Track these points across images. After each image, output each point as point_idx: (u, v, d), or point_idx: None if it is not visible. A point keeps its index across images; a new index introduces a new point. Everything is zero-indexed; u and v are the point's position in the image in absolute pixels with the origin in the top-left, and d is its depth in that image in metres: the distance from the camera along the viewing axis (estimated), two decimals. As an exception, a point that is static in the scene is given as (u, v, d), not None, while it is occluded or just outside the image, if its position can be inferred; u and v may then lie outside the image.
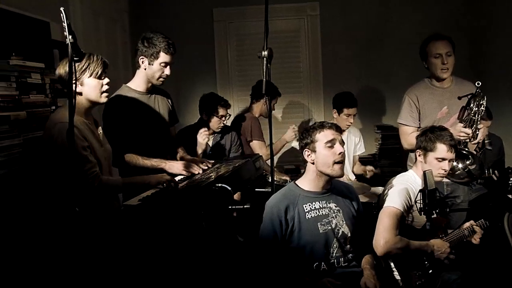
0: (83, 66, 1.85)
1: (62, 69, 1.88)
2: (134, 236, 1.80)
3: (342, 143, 1.95)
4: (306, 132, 2.00)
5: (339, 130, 1.98)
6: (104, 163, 1.99)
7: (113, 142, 2.17)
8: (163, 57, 2.30)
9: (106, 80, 1.93)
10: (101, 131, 2.07)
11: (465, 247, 2.18)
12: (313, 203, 1.98)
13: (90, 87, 1.88)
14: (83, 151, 1.81)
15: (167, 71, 2.34)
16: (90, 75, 1.87)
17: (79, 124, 1.84)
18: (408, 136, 2.70)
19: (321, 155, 1.93)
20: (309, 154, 1.97)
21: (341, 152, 1.92)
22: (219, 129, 3.13)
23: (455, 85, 2.68)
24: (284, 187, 2.09)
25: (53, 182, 1.82)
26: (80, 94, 1.87)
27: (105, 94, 1.93)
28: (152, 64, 2.31)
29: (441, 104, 2.65)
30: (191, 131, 3.03)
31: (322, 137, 1.93)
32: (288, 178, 3.44)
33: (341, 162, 1.93)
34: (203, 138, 2.95)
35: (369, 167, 3.44)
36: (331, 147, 1.92)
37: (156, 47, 2.28)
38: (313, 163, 1.97)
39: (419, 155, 2.24)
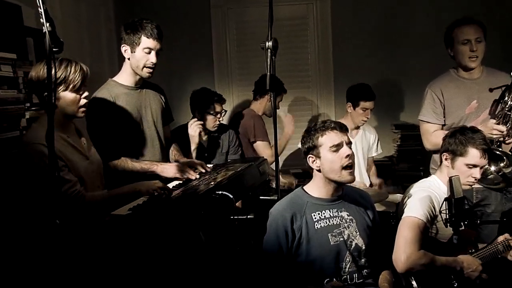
0: (60, 77, 1.81)
1: (34, 71, 1.85)
2: (123, 250, 1.79)
3: (349, 144, 1.95)
4: (308, 136, 1.99)
5: (344, 129, 1.96)
6: (89, 178, 1.98)
7: (98, 144, 2.17)
8: (145, 41, 2.30)
9: (85, 93, 1.92)
10: (85, 142, 2.07)
11: (500, 264, 2.16)
12: (323, 211, 1.98)
13: (66, 101, 1.87)
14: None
15: (152, 58, 2.32)
16: (66, 89, 1.85)
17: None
18: (431, 135, 2.68)
19: (327, 161, 1.93)
20: (314, 160, 1.97)
21: (349, 155, 1.91)
22: (215, 128, 3.13)
23: (485, 76, 2.66)
24: (290, 194, 2.09)
25: (32, 195, 1.82)
26: (55, 107, 1.83)
27: (82, 109, 1.93)
28: (135, 52, 2.32)
29: (470, 98, 2.62)
30: (184, 131, 3.02)
31: (326, 140, 1.92)
32: (294, 181, 3.44)
33: (350, 166, 1.92)
34: (195, 130, 2.95)
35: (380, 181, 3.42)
36: (337, 151, 1.91)
37: (138, 32, 2.29)
38: (319, 170, 1.97)
39: (446, 159, 2.23)
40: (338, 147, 1.91)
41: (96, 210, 1.91)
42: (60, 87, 1.83)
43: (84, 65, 1.91)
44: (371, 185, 3.41)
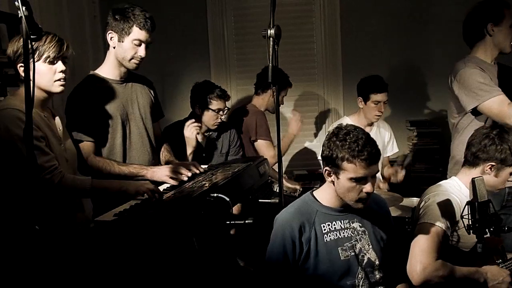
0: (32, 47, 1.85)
1: (10, 48, 1.92)
2: (108, 260, 1.78)
3: (374, 177, 1.88)
4: (334, 146, 1.87)
5: (373, 160, 1.84)
6: (64, 165, 1.99)
7: (79, 144, 2.18)
8: (137, 33, 2.30)
9: (61, 66, 1.95)
10: (60, 128, 2.08)
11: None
12: (333, 222, 1.96)
13: (39, 73, 1.89)
14: (36, 141, 1.82)
15: (141, 51, 2.33)
16: (39, 59, 1.89)
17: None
18: (509, 106, 2.44)
19: (344, 188, 1.88)
20: (330, 173, 1.92)
21: (370, 192, 1.86)
22: (215, 126, 3.12)
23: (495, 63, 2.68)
24: (298, 200, 2.06)
25: (5, 191, 1.82)
26: (32, 100, 1.84)
27: (58, 83, 1.97)
28: (123, 41, 2.31)
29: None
30: (179, 128, 3.02)
31: (351, 170, 1.83)
32: (298, 187, 3.44)
33: (367, 199, 1.89)
34: (192, 132, 2.94)
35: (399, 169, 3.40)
36: (358, 183, 1.85)
37: (129, 21, 2.28)
38: (333, 184, 1.93)
39: (491, 168, 2.14)
40: (360, 181, 1.85)
41: (73, 196, 1.93)
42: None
43: (66, 40, 1.96)
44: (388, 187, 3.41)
